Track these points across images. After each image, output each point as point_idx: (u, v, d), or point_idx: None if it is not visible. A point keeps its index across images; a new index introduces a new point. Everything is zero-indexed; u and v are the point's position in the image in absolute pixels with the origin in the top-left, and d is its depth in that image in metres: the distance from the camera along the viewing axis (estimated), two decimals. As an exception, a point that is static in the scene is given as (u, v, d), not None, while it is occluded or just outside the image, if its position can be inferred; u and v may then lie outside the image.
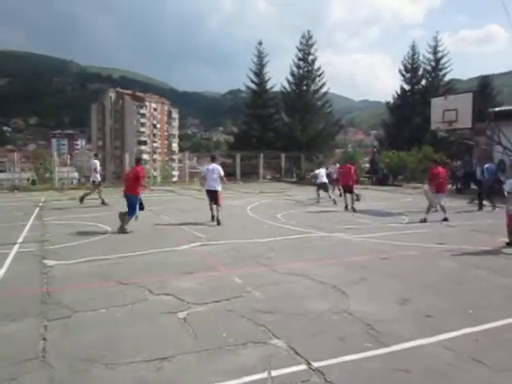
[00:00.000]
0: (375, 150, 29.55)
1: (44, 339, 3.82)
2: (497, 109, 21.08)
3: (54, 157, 24.26)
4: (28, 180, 24.18)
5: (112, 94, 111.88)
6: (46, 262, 6.66)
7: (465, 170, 19.92)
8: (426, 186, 11.97)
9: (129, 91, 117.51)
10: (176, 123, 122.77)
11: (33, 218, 11.45)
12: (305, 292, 5.23)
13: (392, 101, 39.94)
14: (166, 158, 56.16)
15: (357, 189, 14.41)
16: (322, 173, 15.79)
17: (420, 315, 4.45)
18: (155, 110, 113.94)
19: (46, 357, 3.49)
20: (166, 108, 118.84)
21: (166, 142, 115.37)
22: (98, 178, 14.98)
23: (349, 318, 4.36)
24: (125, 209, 9.49)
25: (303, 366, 3.33)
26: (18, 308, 4.64)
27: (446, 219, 10.97)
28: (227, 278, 5.81)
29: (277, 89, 36.89)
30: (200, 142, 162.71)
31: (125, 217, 9.33)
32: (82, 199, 14.28)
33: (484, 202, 13.61)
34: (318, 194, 15.63)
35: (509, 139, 15.45)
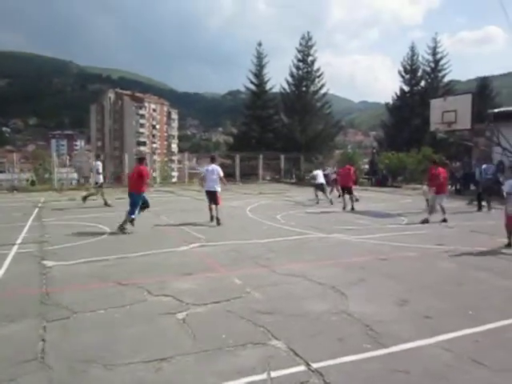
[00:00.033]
0: (374, 151, 29.55)
1: (43, 340, 3.82)
2: (496, 110, 21.14)
3: (53, 157, 24.27)
4: (27, 180, 24.19)
5: (111, 95, 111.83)
6: (45, 262, 6.65)
7: (464, 171, 19.98)
8: (425, 187, 11.98)
9: (128, 92, 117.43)
10: (175, 124, 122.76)
11: (32, 218, 11.45)
12: (304, 293, 5.22)
13: (391, 102, 40.00)
14: (166, 159, 56.03)
15: (355, 190, 14.42)
16: (319, 174, 15.93)
17: (419, 316, 4.45)
18: (154, 110, 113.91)
19: (44, 358, 3.49)
20: (165, 109, 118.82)
21: (166, 142, 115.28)
22: (101, 179, 15.00)
23: (348, 318, 4.36)
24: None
25: (302, 367, 3.33)
26: (16, 309, 4.63)
27: (445, 220, 10.98)
28: (226, 279, 5.81)
29: (276, 90, 36.98)
30: (199, 142, 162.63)
31: (127, 215, 9.37)
32: (85, 198, 14.40)
33: (483, 203, 13.63)
34: (317, 195, 15.69)
35: (508, 140, 15.48)
